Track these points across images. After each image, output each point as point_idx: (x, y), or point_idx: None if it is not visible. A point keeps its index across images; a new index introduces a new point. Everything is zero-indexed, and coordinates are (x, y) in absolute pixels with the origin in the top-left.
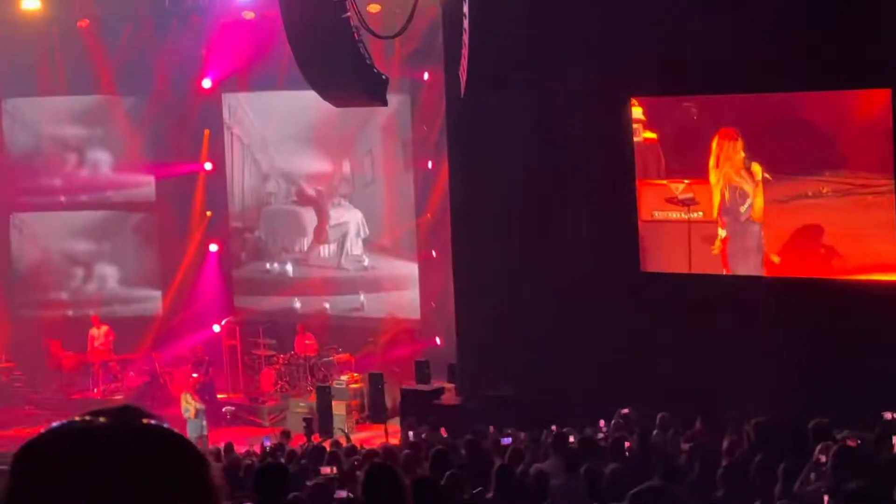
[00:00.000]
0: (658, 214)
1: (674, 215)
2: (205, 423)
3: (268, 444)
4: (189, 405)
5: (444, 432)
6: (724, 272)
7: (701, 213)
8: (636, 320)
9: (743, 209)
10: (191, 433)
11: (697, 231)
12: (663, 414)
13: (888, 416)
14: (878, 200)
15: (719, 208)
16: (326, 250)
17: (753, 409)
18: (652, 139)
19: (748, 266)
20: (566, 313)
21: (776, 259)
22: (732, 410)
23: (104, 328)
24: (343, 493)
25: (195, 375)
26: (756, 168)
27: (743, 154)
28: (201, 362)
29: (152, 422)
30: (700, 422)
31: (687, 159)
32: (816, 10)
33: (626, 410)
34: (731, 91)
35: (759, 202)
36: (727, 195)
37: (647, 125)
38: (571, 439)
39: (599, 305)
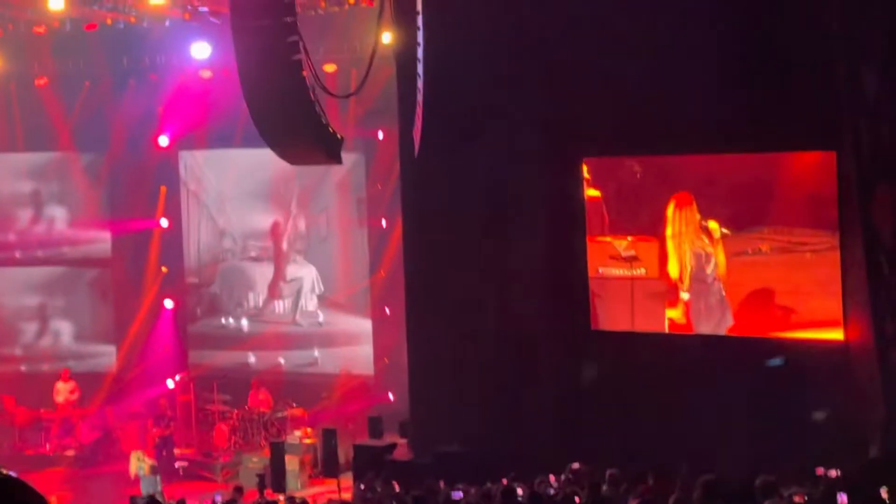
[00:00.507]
0: (602, 271)
1: (617, 272)
2: (159, 478)
3: (219, 499)
4: (142, 463)
5: (396, 486)
6: (668, 329)
7: (644, 271)
8: (589, 375)
9: (709, 271)
10: (145, 490)
11: (641, 288)
12: (612, 470)
13: (832, 473)
14: (818, 258)
15: (680, 273)
16: (281, 306)
17: (703, 466)
18: (596, 197)
19: (713, 322)
20: (518, 370)
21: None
22: (684, 464)
23: (70, 383)
24: None
25: (156, 429)
26: (713, 225)
27: (699, 216)
28: (163, 416)
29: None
30: (652, 478)
31: (630, 217)
32: (764, 73)
33: (576, 465)
34: (682, 152)
35: (721, 259)
36: (692, 261)
37: (591, 183)
38: (521, 492)
39: (551, 362)
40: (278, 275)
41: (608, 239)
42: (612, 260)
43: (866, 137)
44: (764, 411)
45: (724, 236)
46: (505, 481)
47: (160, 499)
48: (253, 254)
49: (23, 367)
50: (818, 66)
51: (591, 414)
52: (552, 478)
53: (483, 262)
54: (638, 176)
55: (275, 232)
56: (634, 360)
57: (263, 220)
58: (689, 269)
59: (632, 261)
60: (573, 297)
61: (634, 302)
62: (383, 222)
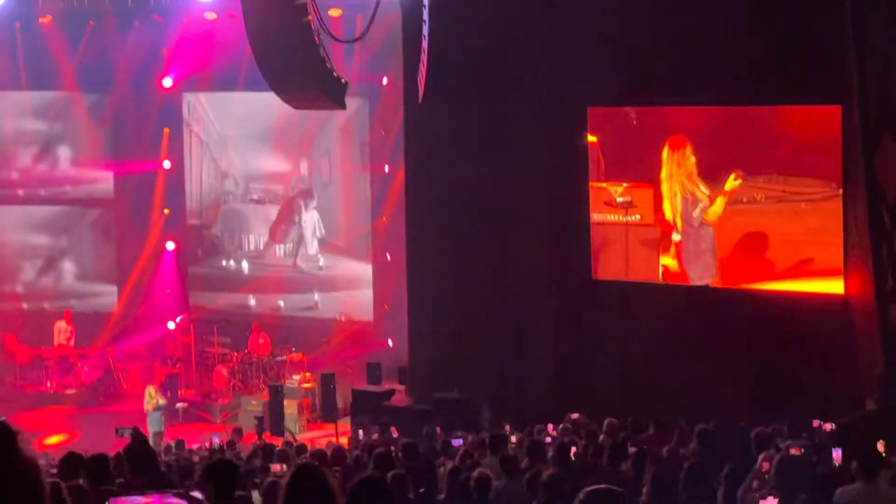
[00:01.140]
0: (597, 217)
1: (611, 218)
2: (164, 419)
3: (217, 441)
4: (153, 399)
5: (395, 432)
6: (662, 276)
7: (638, 217)
8: (588, 326)
9: (696, 213)
10: (150, 427)
11: (635, 235)
12: (611, 420)
13: (826, 426)
14: (817, 207)
15: (673, 216)
16: (282, 249)
17: (700, 418)
18: (593, 143)
19: (702, 267)
20: (519, 318)
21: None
22: (682, 417)
23: (67, 324)
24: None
25: (163, 369)
26: (731, 177)
27: (693, 159)
28: (170, 356)
29: None
30: (653, 427)
31: (626, 163)
32: (770, 26)
33: (575, 416)
34: (684, 103)
35: (718, 205)
36: (679, 201)
37: (589, 129)
38: (514, 440)
39: (551, 309)
40: (280, 218)
41: (604, 185)
42: (606, 206)
43: (873, 91)
44: (761, 364)
45: (733, 188)
46: (508, 427)
47: (159, 437)
48: (255, 196)
49: (24, 306)
50: (824, 18)
51: (591, 364)
52: (550, 427)
53: (485, 209)
54: (634, 123)
55: (277, 175)
56: (632, 311)
57: (265, 163)
58: (679, 210)
59: (627, 207)
60: (574, 246)
61: (629, 249)
62: (386, 168)
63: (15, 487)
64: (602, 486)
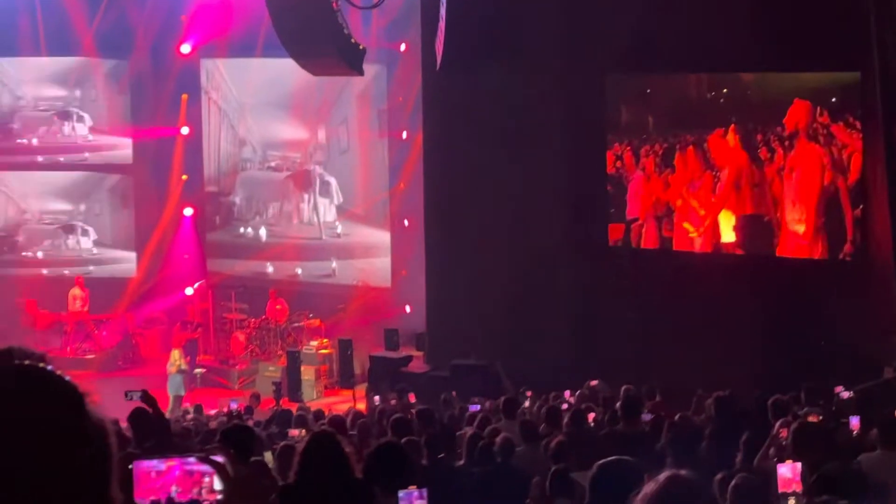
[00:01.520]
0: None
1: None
2: (183, 383)
3: (234, 406)
4: (177, 362)
5: (412, 398)
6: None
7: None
8: (606, 291)
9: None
10: (171, 390)
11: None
12: (627, 386)
13: (844, 394)
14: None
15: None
16: (300, 216)
17: (717, 384)
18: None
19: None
20: (537, 283)
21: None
22: (699, 390)
23: (81, 290)
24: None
25: (183, 334)
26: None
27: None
28: (191, 322)
29: (27, 363)
30: (659, 395)
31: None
32: None
33: (594, 382)
34: (701, 70)
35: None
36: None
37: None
38: (527, 405)
39: (568, 276)
40: (298, 185)
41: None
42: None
43: (893, 58)
44: (779, 330)
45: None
46: (530, 393)
47: (179, 401)
48: (272, 164)
49: (45, 272)
50: None
51: (609, 330)
52: (567, 393)
53: (503, 174)
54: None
55: (295, 142)
56: (651, 277)
57: (283, 130)
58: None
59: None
60: (593, 211)
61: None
62: (404, 134)
63: (83, 453)
64: (613, 457)
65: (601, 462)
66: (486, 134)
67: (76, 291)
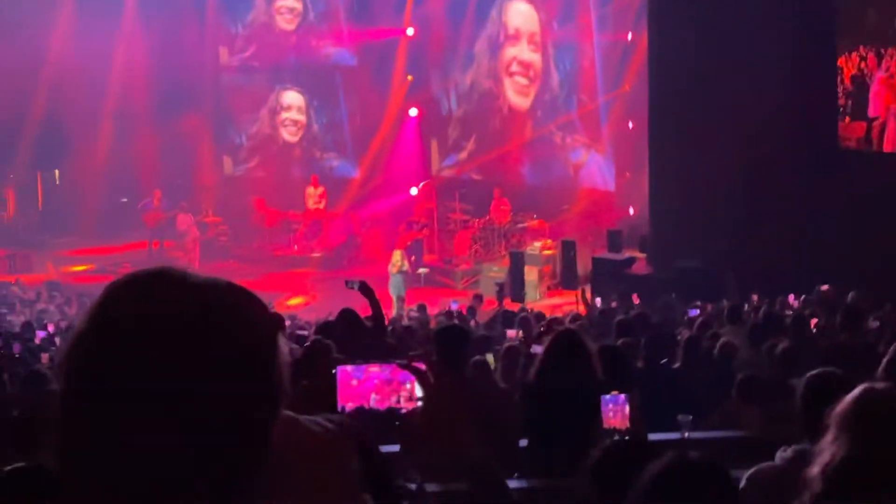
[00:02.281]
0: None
1: None
2: (404, 283)
3: (455, 306)
4: (398, 262)
5: (636, 299)
6: None
7: None
8: (833, 194)
9: None
10: (392, 290)
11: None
12: (853, 293)
13: None
14: None
15: None
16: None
17: None
18: None
19: None
20: (762, 184)
21: None
22: None
23: (320, 188)
24: (539, 349)
25: (408, 234)
26: None
27: None
28: (415, 222)
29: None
30: (891, 305)
31: None
32: None
33: (825, 287)
34: None
35: None
36: None
37: None
38: (746, 308)
39: (796, 177)
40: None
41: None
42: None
43: None
44: None
45: None
46: (756, 298)
47: (402, 301)
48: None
49: (274, 170)
50: None
51: (835, 234)
52: (791, 297)
53: (727, 76)
54: None
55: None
56: (879, 180)
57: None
58: None
59: None
60: (820, 112)
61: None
62: (629, 36)
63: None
64: (822, 369)
65: (810, 374)
66: (710, 36)
67: (311, 190)
